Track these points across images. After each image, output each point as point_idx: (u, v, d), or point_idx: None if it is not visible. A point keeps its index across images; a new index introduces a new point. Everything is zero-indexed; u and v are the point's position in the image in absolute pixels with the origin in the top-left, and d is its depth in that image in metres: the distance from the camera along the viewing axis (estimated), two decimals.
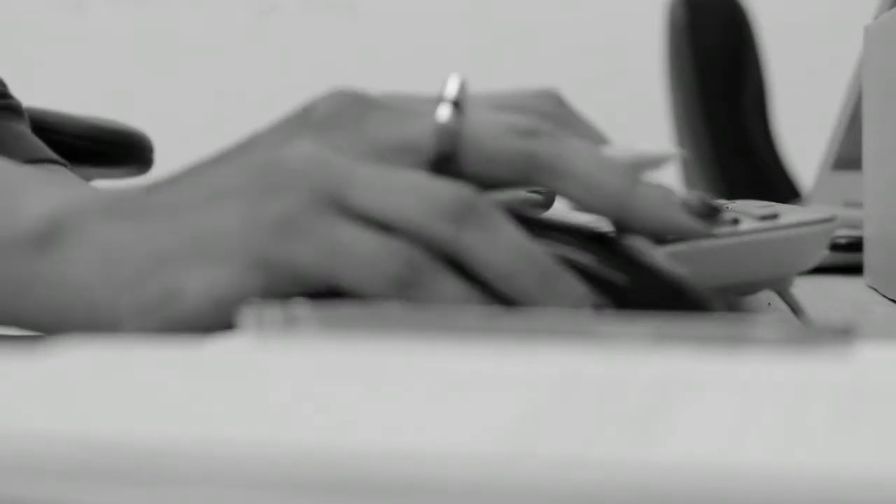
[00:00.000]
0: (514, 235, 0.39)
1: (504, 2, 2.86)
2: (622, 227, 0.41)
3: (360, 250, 0.38)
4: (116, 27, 2.92)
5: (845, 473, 0.20)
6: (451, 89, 0.42)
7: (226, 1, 2.91)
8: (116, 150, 1.01)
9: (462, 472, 0.20)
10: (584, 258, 0.40)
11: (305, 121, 0.42)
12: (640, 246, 0.41)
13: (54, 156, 0.79)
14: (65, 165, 0.79)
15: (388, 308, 0.38)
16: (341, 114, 0.42)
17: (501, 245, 0.38)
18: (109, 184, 0.94)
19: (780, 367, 0.29)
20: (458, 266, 0.39)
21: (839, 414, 0.24)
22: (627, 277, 0.40)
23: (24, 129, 0.80)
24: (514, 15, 2.84)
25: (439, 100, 0.41)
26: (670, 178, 2.08)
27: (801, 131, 2.05)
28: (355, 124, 0.42)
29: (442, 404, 0.25)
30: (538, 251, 0.39)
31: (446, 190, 0.39)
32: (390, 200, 0.39)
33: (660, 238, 0.43)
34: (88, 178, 0.98)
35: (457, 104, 0.41)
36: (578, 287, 0.39)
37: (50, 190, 0.42)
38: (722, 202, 0.59)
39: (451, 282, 0.38)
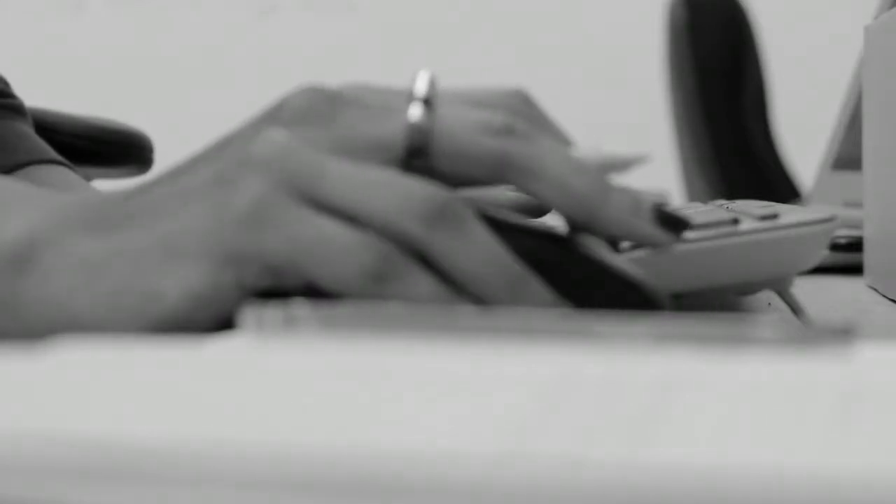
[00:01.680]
0: (484, 239, 0.39)
1: (504, 2, 2.86)
2: (585, 228, 0.41)
3: (332, 243, 0.38)
4: (116, 27, 2.92)
5: (845, 473, 0.20)
6: (421, 86, 0.41)
7: (226, 1, 2.91)
8: (116, 150, 1.01)
9: (462, 472, 0.20)
10: (542, 258, 0.40)
11: (277, 117, 0.42)
12: (596, 246, 0.41)
13: (57, 156, 0.79)
14: (67, 165, 0.79)
15: (387, 308, 0.38)
16: (312, 110, 0.42)
17: (471, 248, 0.38)
18: (108, 184, 0.94)
19: (780, 367, 0.29)
20: (428, 265, 0.39)
21: (839, 414, 0.24)
22: (583, 277, 0.41)
23: (27, 128, 0.80)
24: (513, 15, 2.84)
25: (410, 97, 0.41)
26: (669, 179, 2.08)
27: (801, 131, 2.06)
28: (326, 121, 0.42)
29: (441, 404, 0.25)
30: (507, 255, 0.39)
31: (419, 189, 0.38)
32: (361, 195, 0.38)
33: (615, 241, 0.43)
34: (88, 178, 0.98)
35: (427, 101, 0.41)
36: (545, 293, 0.39)
37: (27, 206, 0.42)
38: (722, 202, 0.59)
39: (424, 278, 0.38)
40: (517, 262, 0.39)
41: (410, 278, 0.38)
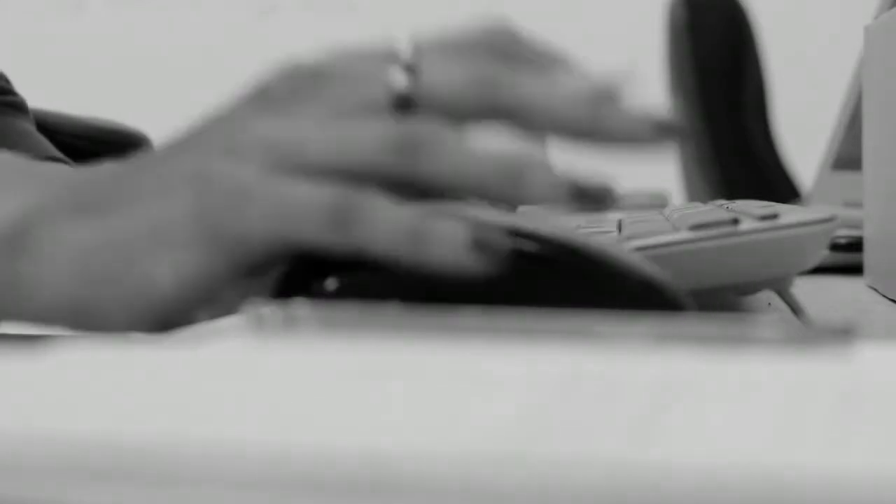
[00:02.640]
0: (464, 143, 0.39)
1: (504, 2, 2.86)
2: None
3: (296, 204, 0.39)
4: (116, 27, 2.92)
5: (845, 473, 0.20)
6: (402, 50, 0.42)
7: (226, 1, 2.91)
8: (116, 150, 1.00)
9: (462, 472, 0.20)
10: (562, 262, 0.40)
11: (263, 99, 0.42)
12: (614, 246, 0.41)
13: (58, 154, 0.79)
14: (68, 164, 0.79)
15: (387, 308, 0.38)
16: (295, 90, 0.42)
17: (457, 154, 0.39)
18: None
19: (780, 367, 0.29)
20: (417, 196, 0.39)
21: (839, 414, 0.24)
22: (604, 279, 0.40)
23: (28, 126, 0.80)
24: (514, 15, 2.84)
25: (392, 60, 0.42)
26: (670, 178, 2.08)
27: (801, 131, 2.05)
28: (310, 99, 0.42)
29: (442, 404, 0.25)
30: (494, 149, 0.39)
31: (391, 126, 0.40)
32: (337, 149, 0.39)
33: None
34: None
35: (410, 67, 0.42)
36: (551, 175, 0.39)
37: (13, 191, 0.42)
38: (722, 202, 0.59)
39: (386, 206, 0.39)
40: (511, 153, 0.39)
41: (372, 212, 0.38)
